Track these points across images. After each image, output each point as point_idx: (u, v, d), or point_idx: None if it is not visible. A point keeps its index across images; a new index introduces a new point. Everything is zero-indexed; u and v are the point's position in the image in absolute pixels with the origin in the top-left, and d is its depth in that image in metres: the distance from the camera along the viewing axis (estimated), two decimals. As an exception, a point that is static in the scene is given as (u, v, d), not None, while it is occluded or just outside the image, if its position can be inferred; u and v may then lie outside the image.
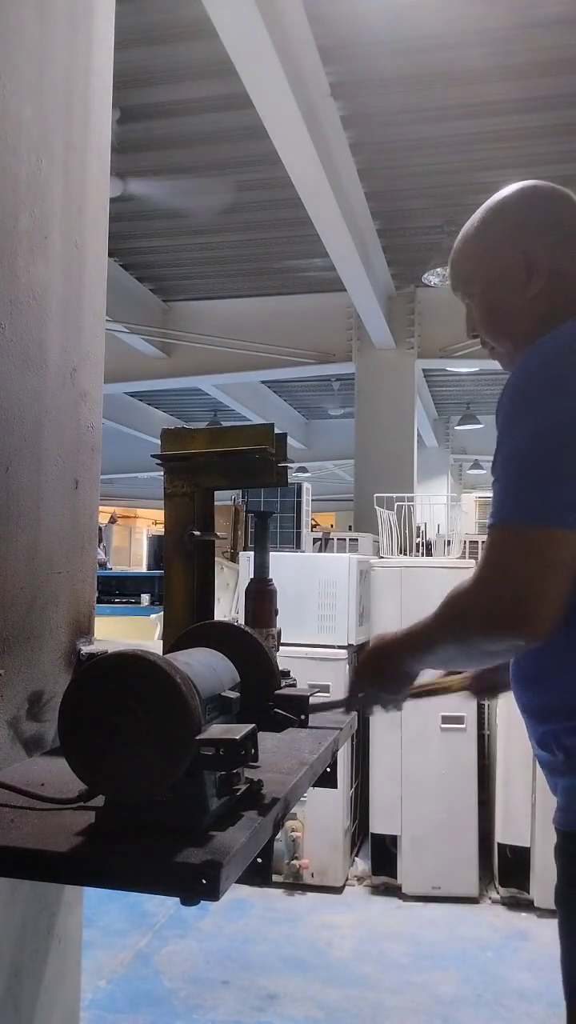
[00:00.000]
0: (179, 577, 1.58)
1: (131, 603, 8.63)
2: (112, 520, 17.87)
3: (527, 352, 1.17)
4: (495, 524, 1.11)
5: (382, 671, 1.34)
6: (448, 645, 1.21)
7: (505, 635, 1.09)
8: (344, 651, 3.81)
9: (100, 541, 11.23)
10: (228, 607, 4.58)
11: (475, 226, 1.33)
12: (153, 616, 6.79)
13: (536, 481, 1.09)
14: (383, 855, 3.81)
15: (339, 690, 3.76)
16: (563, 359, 1.13)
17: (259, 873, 0.98)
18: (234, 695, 1.07)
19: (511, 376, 1.16)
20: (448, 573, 3.77)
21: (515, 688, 1.28)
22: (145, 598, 8.69)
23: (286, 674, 1.40)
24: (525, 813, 3.56)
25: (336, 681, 3.72)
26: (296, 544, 5.18)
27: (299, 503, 5.27)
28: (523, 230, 1.28)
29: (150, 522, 19.25)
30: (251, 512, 4.98)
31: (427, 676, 1.42)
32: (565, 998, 1.18)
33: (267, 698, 1.23)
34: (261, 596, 1.60)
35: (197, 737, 0.91)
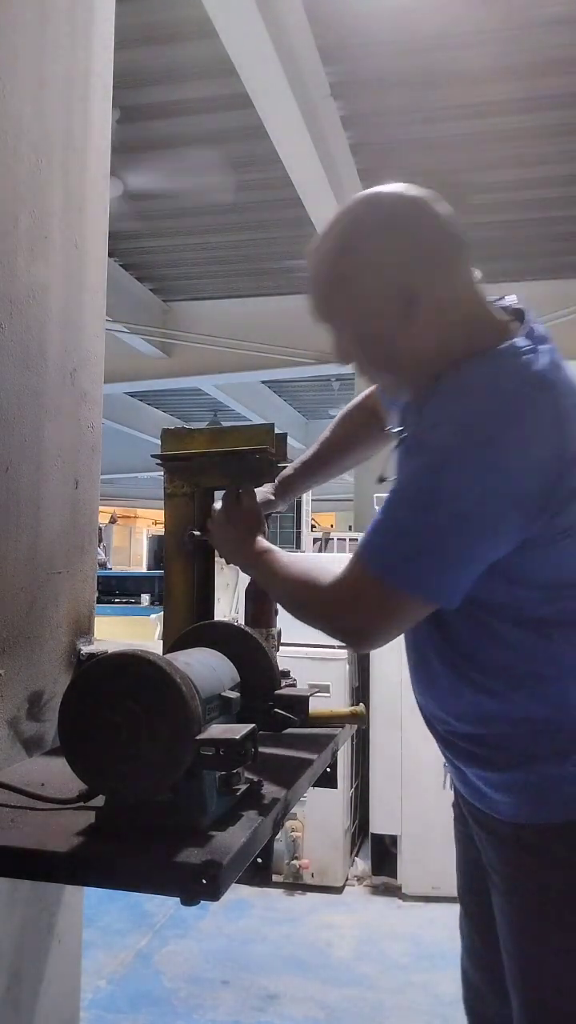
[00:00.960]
0: (179, 577, 1.58)
1: (131, 603, 8.64)
2: (112, 520, 17.87)
3: (474, 391, 1.09)
4: (363, 562, 1.13)
5: (226, 539, 1.45)
6: (285, 600, 1.30)
7: (338, 638, 1.22)
8: (344, 651, 3.80)
9: (100, 541, 11.24)
10: (228, 607, 4.58)
11: (332, 254, 1.17)
12: (153, 616, 6.79)
13: (418, 549, 1.08)
14: (383, 855, 3.81)
15: (339, 690, 3.77)
16: (519, 413, 1.05)
17: (259, 873, 0.98)
18: (234, 695, 1.07)
19: (444, 425, 1.09)
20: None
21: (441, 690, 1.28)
22: (145, 598, 8.69)
23: (286, 674, 1.41)
24: (525, 813, 3.56)
25: (336, 681, 3.72)
26: (296, 544, 5.18)
27: (299, 503, 5.27)
28: (390, 262, 1.13)
29: (150, 522, 19.25)
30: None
31: (321, 707, 1.47)
32: (515, 990, 1.19)
33: (267, 698, 1.24)
34: (261, 596, 1.60)
35: (197, 737, 0.91)
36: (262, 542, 1.39)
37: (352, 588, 1.15)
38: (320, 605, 1.21)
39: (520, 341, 1.12)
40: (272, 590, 1.42)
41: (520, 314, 1.19)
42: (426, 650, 1.24)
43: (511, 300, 1.22)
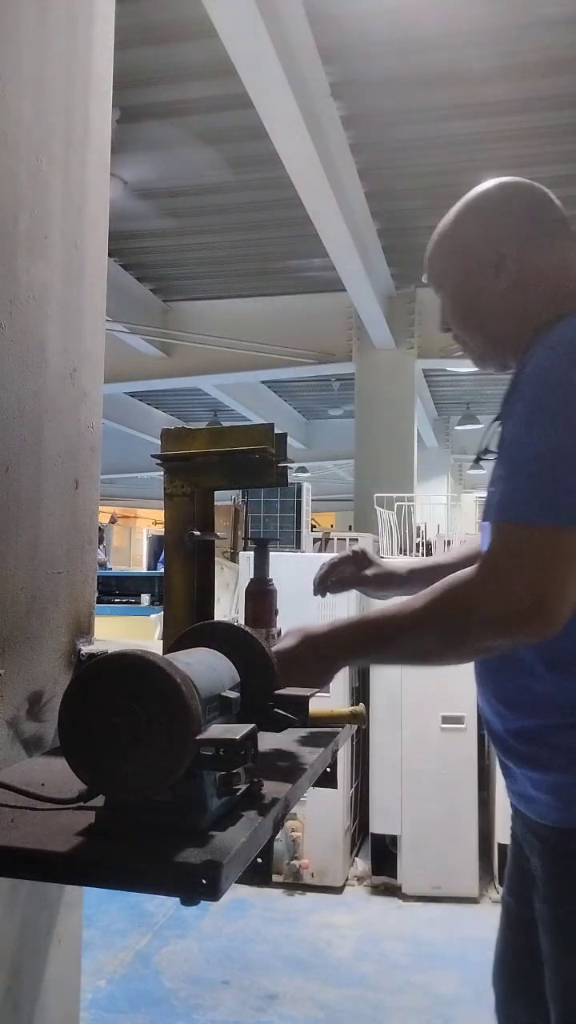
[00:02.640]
0: (179, 577, 1.57)
1: (131, 603, 8.64)
2: (112, 520, 17.88)
3: (550, 346, 1.14)
4: (506, 521, 1.09)
5: (306, 665, 1.27)
6: (428, 637, 1.16)
7: (517, 630, 1.07)
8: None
9: (100, 541, 11.24)
10: (228, 607, 4.58)
11: (451, 220, 1.34)
12: (153, 616, 6.79)
13: (555, 480, 1.06)
14: (383, 855, 3.81)
15: (339, 690, 3.77)
16: None
17: (259, 873, 0.98)
18: (234, 695, 1.07)
19: (535, 369, 1.13)
20: (448, 573, 3.76)
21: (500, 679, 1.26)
22: (145, 598, 8.69)
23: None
24: (525, 813, 3.56)
25: (336, 681, 3.71)
26: (296, 544, 5.19)
27: (299, 503, 5.27)
28: (497, 224, 1.29)
29: (150, 522, 19.26)
30: (250, 539, 4.99)
31: (321, 707, 1.38)
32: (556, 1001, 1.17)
33: (267, 698, 1.23)
34: (261, 596, 1.60)
35: (197, 737, 0.91)
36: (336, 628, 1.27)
37: (507, 558, 1.07)
38: (488, 592, 1.08)
39: None
40: (413, 638, 1.18)
41: None
42: None
43: None
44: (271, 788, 1.09)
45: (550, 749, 1.18)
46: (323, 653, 1.26)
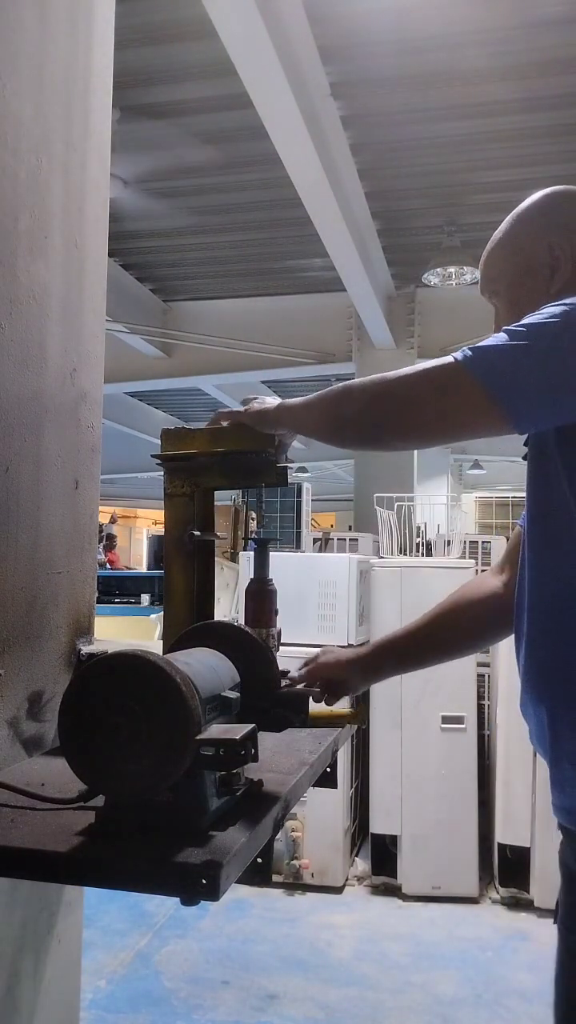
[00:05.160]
0: (179, 577, 1.57)
1: (131, 603, 8.63)
2: (112, 520, 17.87)
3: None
4: (470, 365, 1.09)
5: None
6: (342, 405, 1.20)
7: (401, 423, 1.15)
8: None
9: (101, 541, 11.23)
10: (228, 607, 4.58)
11: (503, 228, 1.37)
12: (153, 616, 6.80)
13: (533, 366, 1.08)
14: (383, 855, 3.81)
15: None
16: None
17: (259, 873, 0.98)
18: (234, 695, 1.07)
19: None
20: (448, 573, 3.77)
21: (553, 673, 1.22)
22: (145, 598, 8.69)
23: (286, 674, 1.40)
24: (525, 813, 3.56)
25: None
26: (296, 544, 5.18)
27: (299, 503, 5.27)
28: (549, 227, 1.30)
29: (150, 522, 19.25)
30: (251, 539, 5.00)
31: (320, 707, 1.40)
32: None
33: (267, 698, 1.23)
34: (261, 596, 1.60)
35: (197, 737, 0.91)
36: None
37: (445, 373, 1.10)
38: (408, 386, 1.13)
39: None
40: (323, 406, 1.24)
41: None
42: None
43: None
44: (271, 788, 1.09)
45: None
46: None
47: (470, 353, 1.10)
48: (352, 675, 1.47)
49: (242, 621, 1.57)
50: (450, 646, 1.53)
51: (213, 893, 0.84)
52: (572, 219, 1.31)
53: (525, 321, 1.12)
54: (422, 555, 4.73)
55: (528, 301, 1.28)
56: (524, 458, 1.32)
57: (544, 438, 1.20)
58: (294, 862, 3.70)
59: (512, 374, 1.08)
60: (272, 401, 1.34)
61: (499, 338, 1.11)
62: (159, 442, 1.60)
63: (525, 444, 1.30)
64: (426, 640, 1.50)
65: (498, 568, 1.52)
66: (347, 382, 1.21)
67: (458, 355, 1.10)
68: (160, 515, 2.06)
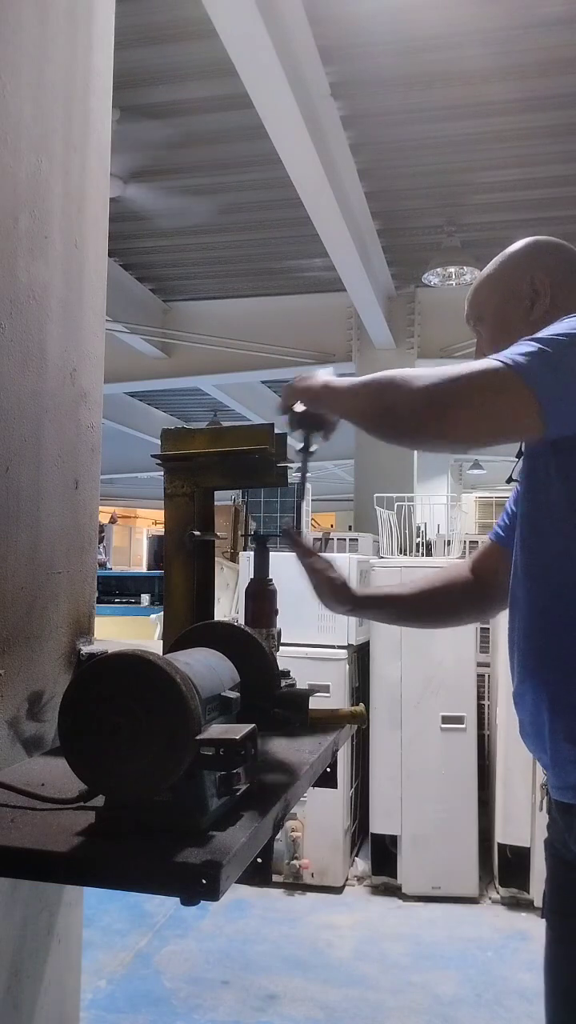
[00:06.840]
0: (179, 577, 1.58)
1: (131, 603, 8.64)
2: (112, 520, 17.87)
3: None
4: (510, 364, 1.11)
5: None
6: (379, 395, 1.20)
7: (436, 421, 1.13)
8: (344, 651, 3.81)
9: (101, 541, 11.24)
10: (228, 607, 4.59)
11: (491, 266, 1.48)
12: (153, 616, 6.80)
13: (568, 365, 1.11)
14: (383, 855, 3.81)
15: (339, 690, 3.77)
16: None
17: (259, 873, 0.98)
18: (234, 695, 1.07)
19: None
20: (448, 573, 3.76)
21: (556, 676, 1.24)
22: (145, 598, 8.69)
23: (286, 674, 1.40)
24: (525, 813, 3.56)
25: (336, 681, 3.72)
26: (296, 544, 5.17)
27: (299, 503, 5.26)
28: (532, 266, 1.41)
29: (150, 522, 19.26)
30: (251, 535, 4.99)
31: (321, 707, 1.44)
32: None
33: (267, 698, 1.23)
34: (261, 596, 1.60)
35: (197, 737, 0.91)
36: None
37: (497, 376, 1.10)
38: (452, 385, 1.12)
39: None
40: (361, 395, 1.25)
41: None
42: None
43: None
44: (271, 788, 1.09)
45: None
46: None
47: (520, 359, 1.11)
48: (346, 586, 1.59)
49: (242, 621, 1.57)
50: (427, 621, 1.80)
51: (213, 893, 0.84)
52: (553, 262, 1.42)
53: (549, 333, 1.15)
54: (422, 555, 4.73)
55: (511, 326, 1.37)
56: (518, 455, 1.37)
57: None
58: (294, 862, 3.70)
59: (555, 382, 1.11)
60: (321, 376, 1.34)
61: (530, 346, 1.13)
62: (159, 442, 1.60)
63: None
64: (411, 610, 1.69)
65: (468, 566, 1.65)
66: (391, 373, 1.19)
67: (505, 359, 1.11)
68: (160, 515, 2.06)
